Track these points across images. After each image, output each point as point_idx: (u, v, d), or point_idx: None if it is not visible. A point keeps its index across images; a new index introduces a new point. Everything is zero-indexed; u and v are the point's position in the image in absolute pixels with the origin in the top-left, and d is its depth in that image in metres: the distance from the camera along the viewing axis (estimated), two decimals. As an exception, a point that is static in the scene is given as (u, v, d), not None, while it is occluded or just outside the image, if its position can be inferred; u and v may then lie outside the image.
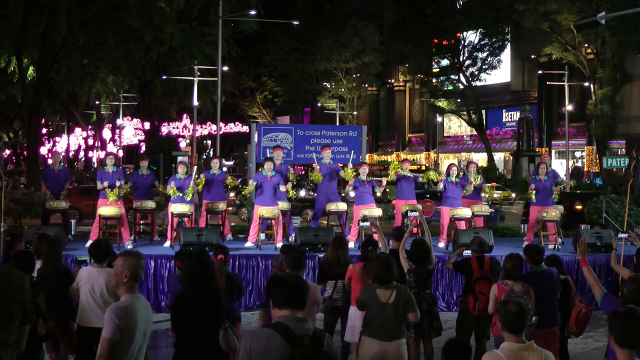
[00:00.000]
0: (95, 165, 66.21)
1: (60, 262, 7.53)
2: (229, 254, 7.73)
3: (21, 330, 4.87)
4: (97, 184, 13.30)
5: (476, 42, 51.37)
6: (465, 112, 52.69)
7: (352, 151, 14.73)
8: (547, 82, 48.02)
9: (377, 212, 13.36)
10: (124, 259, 4.88)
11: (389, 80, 69.39)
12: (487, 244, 8.79)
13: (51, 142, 74.32)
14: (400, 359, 6.13)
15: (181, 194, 13.13)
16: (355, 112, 61.55)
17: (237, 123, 66.64)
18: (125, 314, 4.64)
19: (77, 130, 71.97)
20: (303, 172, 55.13)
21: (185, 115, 60.89)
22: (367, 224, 12.03)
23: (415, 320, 6.48)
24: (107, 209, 12.90)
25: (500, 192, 31.22)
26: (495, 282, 7.84)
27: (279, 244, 12.07)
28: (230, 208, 19.77)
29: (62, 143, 73.28)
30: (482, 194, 14.11)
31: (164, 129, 58.30)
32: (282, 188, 13.19)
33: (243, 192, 15.24)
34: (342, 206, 13.83)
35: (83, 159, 74.04)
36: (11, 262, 6.54)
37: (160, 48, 28.43)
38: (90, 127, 68.89)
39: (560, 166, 46.34)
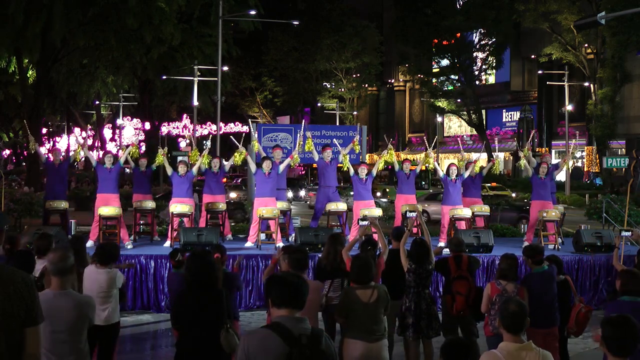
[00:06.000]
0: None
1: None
2: (226, 253, 7.73)
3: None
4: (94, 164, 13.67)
5: (476, 42, 51.32)
6: (465, 112, 52.63)
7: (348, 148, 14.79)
8: (547, 82, 47.97)
9: (377, 211, 13.37)
10: (49, 255, 4.92)
11: (389, 80, 69.34)
12: (464, 243, 8.78)
13: (51, 142, 74.27)
14: None
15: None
16: (355, 112, 61.49)
17: (237, 123, 66.56)
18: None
19: (77, 130, 71.87)
20: (303, 172, 55.17)
21: (185, 115, 60.81)
22: (367, 223, 12.00)
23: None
24: (107, 209, 12.89)
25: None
26: (470, 280, 7.87)
27: (279, 244, 12.07)
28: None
29: (62, 143, 73.21)
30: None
31: (164, 129, 58.22)
32: (287, 160, 13.58)
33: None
34: (342, 206, 13.84)
35: (83, 158, 73.85)
36: (12, 262, 6.51)
37: (160, 48, 28.40)
38: (90, 127, 68.79)
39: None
